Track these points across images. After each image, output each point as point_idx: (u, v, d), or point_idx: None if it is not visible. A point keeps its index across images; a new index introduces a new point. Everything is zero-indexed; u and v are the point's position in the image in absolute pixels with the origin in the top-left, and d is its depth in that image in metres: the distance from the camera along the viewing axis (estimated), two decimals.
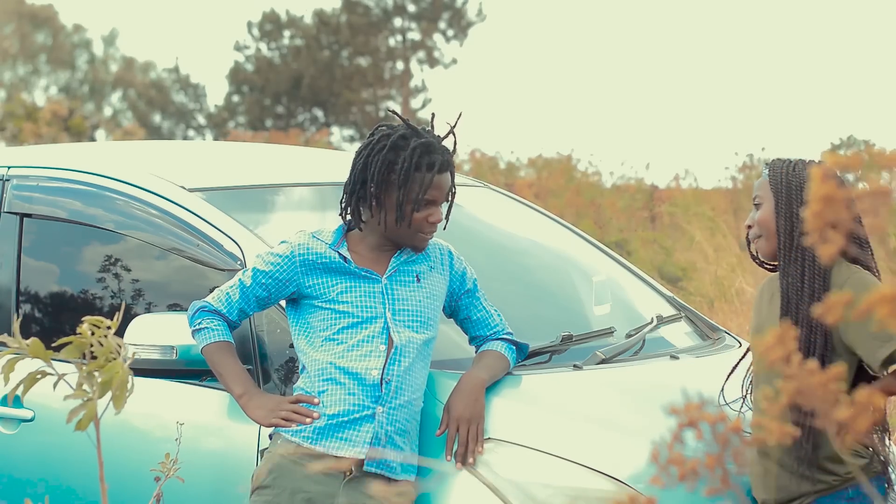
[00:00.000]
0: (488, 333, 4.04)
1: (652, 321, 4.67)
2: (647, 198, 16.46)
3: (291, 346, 3.97)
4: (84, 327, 2.47)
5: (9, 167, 4.76)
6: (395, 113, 4.06)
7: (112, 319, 2.51)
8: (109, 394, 2.46)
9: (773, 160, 3.88)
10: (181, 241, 4.31)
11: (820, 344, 3.73)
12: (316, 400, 3.79)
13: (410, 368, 3.81)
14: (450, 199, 3.92)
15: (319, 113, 43.66)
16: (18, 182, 4.70)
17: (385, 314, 3.84)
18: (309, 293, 3.86)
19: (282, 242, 3.93)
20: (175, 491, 3.80)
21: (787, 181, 3.81)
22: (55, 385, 2.48)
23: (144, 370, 3.99)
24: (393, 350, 3.80)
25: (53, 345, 2.51)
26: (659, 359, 4.48)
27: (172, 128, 47.17)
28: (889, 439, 3.88)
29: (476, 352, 4.05)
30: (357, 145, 3.98)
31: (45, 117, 22.51)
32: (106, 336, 2.45)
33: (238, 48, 44.01)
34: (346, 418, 3.77)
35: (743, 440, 1.86)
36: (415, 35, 43.42)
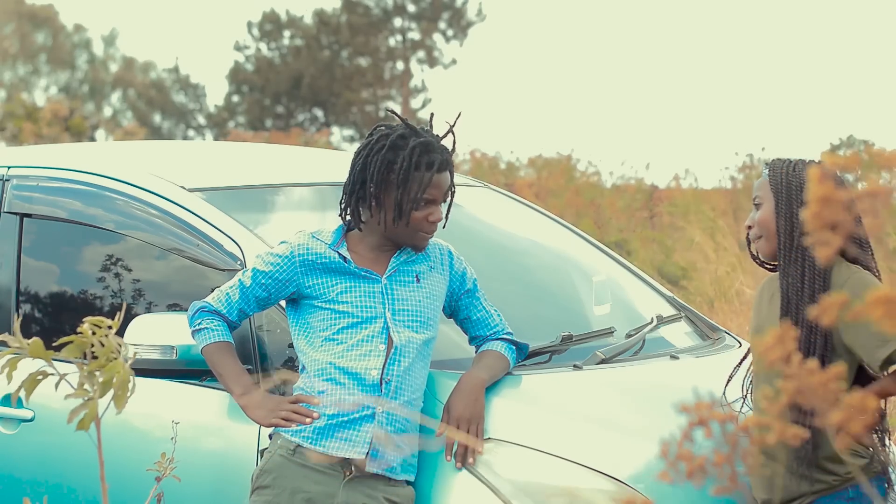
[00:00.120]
0: (488, 333, 4.04)
1: (652, 321, 4.67)
2: (646, 198, 16.46)
3: (291, 346, 3.97)
4: (85, 327, 2.47)
5: (9, 167, 4.76)
6: (394, 113, 4.06)
7: (112, 319, 2.51)
8: (110, 393, 2.46)
9: (773, 160, 3.88)
10: (181, 241, 4.31)
11: (820, 344, 3.74)
12: (316, 400, 3.79)
13: (410, 368, 3.82)
14: (449, 198, 3.93)
15: (319, 113, 43.66)
16: (18, 182, 4.70)
17: (385, 314, 3.84)
18: (309, 293, 3.86)
19: (281, 243, 3.93)
20: (175, 491, 3.80)
21: (788, 181, 3.81)
22: (57, 385, 2.49)
23: (144, 370, 3.99)
24: (393, 350, 3.80)
25: (54, 344, 2.51)
26: (659, 359, 4.48)
27: (172, 128, 47.18)
28: (889, 440, 3.88)
29: (476, 352, 4.05)
30: (357, 145, 3.97)
31: (45, 117, 22.51)
32: (107, 336, 2.46)
33: (238, 48, 44.02)
34: (345, 418, 3.77)
35: (751, 440, 1.87)
36: (415, 35, 43.42)
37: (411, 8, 43.32)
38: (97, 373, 2.44)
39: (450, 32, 43.51)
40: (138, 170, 4.57)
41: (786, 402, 1.80)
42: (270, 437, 3.86)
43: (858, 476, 3.76)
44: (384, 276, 3.88)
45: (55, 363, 2.48)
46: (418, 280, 3.91)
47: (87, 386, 2.44)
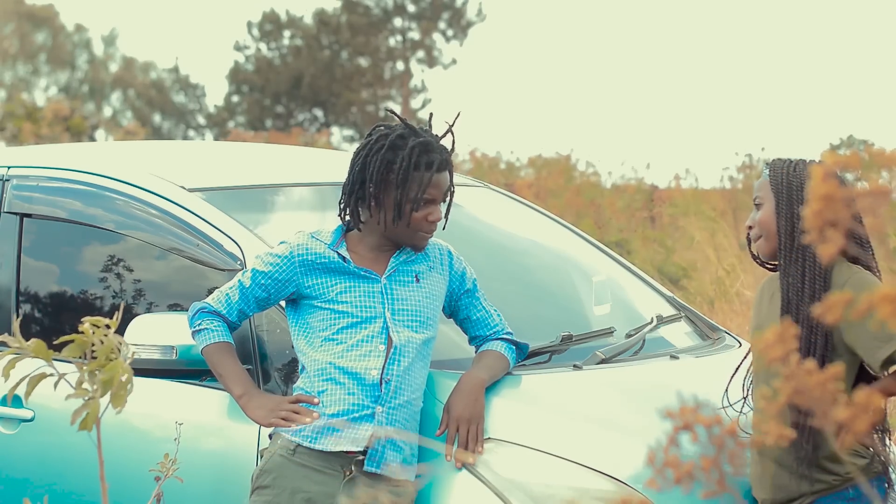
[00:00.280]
0: (488, 333, 4.04)
1: (652, 321, 4.67)
2: (646, 198, 16.45)
3: (292, 346, 3.97)
4: (85, 326, 2.47)
5: (9, 167, 4.76)
6: (394, 112, 4.06)
7: (112, 319, 2.51)
8: (110, 393, 2.46)
9: (774, 160, 3.88)
10: (181, 241, 4.30)
11: (820, 344, 3.73)
12: (316, 400, 3.79)
13: (410, 368, 3.81)
14: (448, 198, 3.93)
15: (319, 113, 43.66)
16: (18, 182, 4.70)
17: (384, 314, 3.84)
18: (308, 293, 3.86)
19: (281, 243, 3.93)
20: (175, 491, 3.80)
21: (788, 181, 3.81)
22: (56, 385, 2.48)
23: (144, 370, 3.99)
24: (392, 350, 3.80)
25: (54, 343, 2.51)
26: (659, 359, 4.48)
27: (172, 128, 47.17)
28: (889, 440, 3.88)
29: (476, 352, 4.04)
30: (357, 145, 3.97)
31: (47, 117, 22.51)
32: (107, 335, 2.45)
33: (238, 48, 44.01)
34: (345, 418, 3.77)
35: (739, 442, 1.86)
36: (415, 35, 43.42)
37: (411, 8, 43.31)
38: (97, 372, 2.44)
39: (450, 32, 43.51)
40: (138, 170, 4.57)
41: (784, 402, 1.80)
42: (270, 437, 3.86)
43: (858, 476, 3.76)
44: (384, 276, 3.88)
45: (55, 362, 2.48)
46: (418, 280, 3.91)
47: (87, 385, 2.43)
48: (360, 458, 3.77)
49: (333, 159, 5.26)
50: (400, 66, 43.71)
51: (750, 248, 3.99)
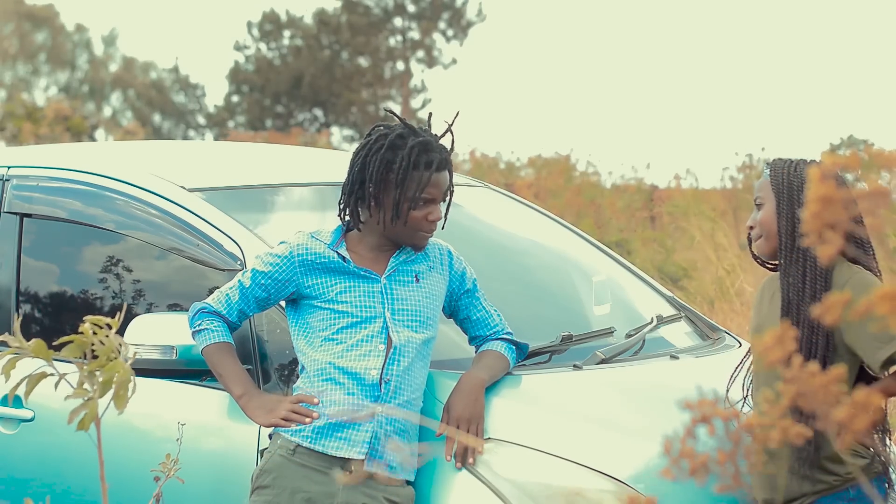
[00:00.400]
0: (488, 333, 4.04)
1: (652, 321, 4.67)
2: (646, 198, 16.46)
3: (292, 346, 3.97)
4: (86, 326, 2.47)
5: (9, 167, 4.76)
6: (393, 112, 4.06)
7: (112, 319, 2.51)
8: (110, 393, 2.46)
9: (774, 160, 3.88)
10: (181, 241, 4.30)
11: (821, 345, 3.73)
12: (315, 400, 3.79)
13: (410, 368, 3.81)
14: (448, 197, 3.93)
15: (319, 113, 43.66)
16: (18, 182, 4.70)
17: (384, 314, 3.84)
18: (308, 293, 3.86)
19: (281, 243, 3.93)
20: (175, 491, 3.80)
21: (789, 181, 3.81)
22: (56, 385, 2.48)
23: (144, 370, 3.99)
24: (392, 350, 3.80)
25: (55, 343, 2.51)
26: (659, 359, 4.48)
27: (172, 128, 47.17)
28: (889, 440, 3.88)
29: (476, 352, 4.04)
30: (356, 145, 3.97)
31: (48, 116, 22.52)
32: (108, 335, 2.45)
33: (238, 48, 44.01)
34: (343, 419, 3.77)
35: (755, 439, 1.86)
36: (415, 35, 43.42)
37: (411, 8, 43.31)
38: (97, 372, 2.44)
39: (450, 32, 43.50)
40: (138, 170, 4.57)
41: (786, 405, 1.80)
42: (270, 437, 3.86)
43: (859, 476, 3.76)
44: (383, 276, 3.88)
45: (55, 362, 2.48)
46: (418, 280, 3.91)
47: (86, 385, 2.43)
48: (361, 458, 3.77)
49: (333, 159, 5.26)
50: (400, 66, 43.71)
51: (751, 248, 3.99)
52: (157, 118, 47.91)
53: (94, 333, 2.45)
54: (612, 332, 4.52)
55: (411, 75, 43.59)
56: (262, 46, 43.79)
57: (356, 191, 3.88)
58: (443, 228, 3.93)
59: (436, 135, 3.92)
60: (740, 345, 4.78)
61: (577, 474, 3.78)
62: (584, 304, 4.88)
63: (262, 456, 3.88)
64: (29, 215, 4.65)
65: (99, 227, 4.51)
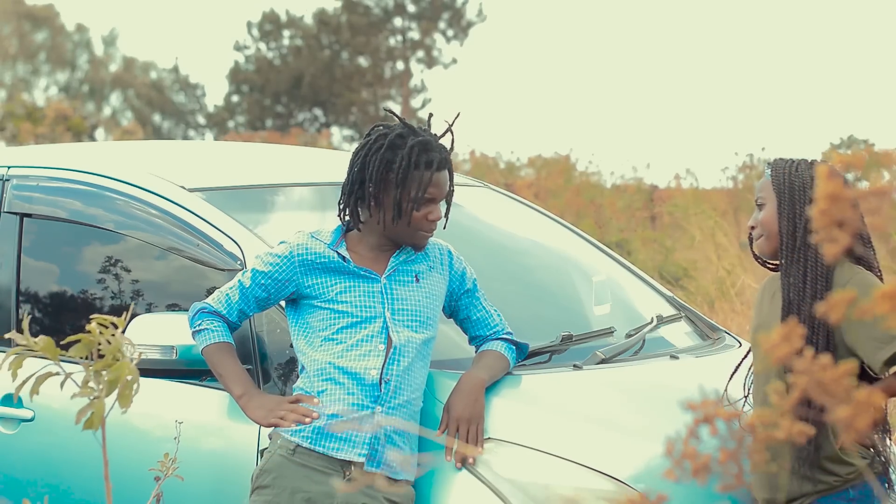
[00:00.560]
0: (488, 333, 4.04)
1: (652, 321, 4.66)
2: (646, 198, 16.46)
3: (291, 346, 3.97)
4: (92, 325, 2.47)
5: (9, 167, 4.76)
6: (392, 112, 4.06)
7: (119, 319, 2.51)
8: (113, 393, 2.46)
9: (776, 160, 3.87)
10: (181, 241, 4.30)
11: (822, 344, 3.73)
12: (315, 400, 3.79)
13: (410, 368, 3.81)
14: (449, 197, 3.92)
15: (319, 113, 43.67)
16: (18, 182, 4.70)
17: (384, 314, 3.83)
18: (308, 293, 3.86)
19: (281, 243, 3.93)
20: (175, 491, 3.80)
21: (790, 181, 3.80)
22: (62, 384, 2.48)
23: (144, 370, 3.98)
24: (392, 350, 3.80)
25: (61, 343, 2.51)
26: (659, 359, 4.48)
27: (172, 128, 47.18)
28: (890, 439, 3.87)
29: (476, 352, 4.04)
30: (356, 145, 3.97)
31: (49, 116, 22.53)
32: (113, 335, 2.45)
33: (238, 48, 44.02)
34: (345, 418, 3.77)
35: (756, 438, 1.86)
36: (415, 35, 43.43)
37: (411, 8, 43.32)
38: (103, 372, 2.44)
39: (450, 32, 43.52)
40: (138, 170, 4.56)
41: (796, 398, 1.80)
42: (270, 437, 3.86)
43: (866, 474, 3.75)
44: (383, 276, 3.87)
45: (60, 363, 2.48)
46: (418, 280, 3.90)
47: (92, 385, 2.43)
48: (361, 460, 3.77)
49: (333, 159, 5.25)
50: (400, 66, 43.71)
51: (752, 248, 3.99)
52: (157, 118, 47.91)
53: (101, 333, 2.45)
54: (612, 332, 4.52)
55: (411, 75, 43.59)
56: (262, 46, 43.81)
57: (356, 191, 3.87)
58: (444, 228, 3.93)
59: (435, 134, 3.92)
60: (740, 345, 4.78)
61: (578, 474, 3.78)
62: (584, 304, 4.87)
63: (262, 456, 3.87)
64: (29, 215, 4.64)
65: (99, 227, 4.50)
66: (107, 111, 49.74)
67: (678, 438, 1.83)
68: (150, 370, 4.06)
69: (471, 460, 3.77)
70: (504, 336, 4.03)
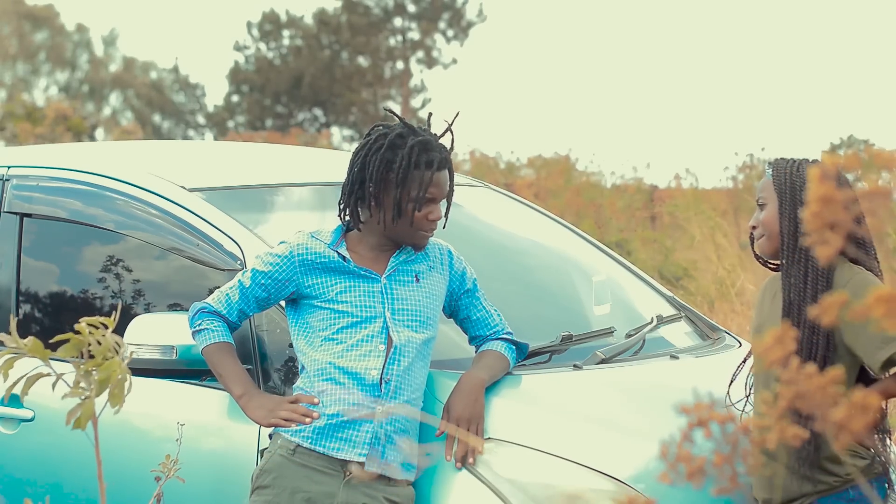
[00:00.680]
0: (488, 333, 4.04)
1: (652, 321, 4.67)
2: (646, 198, 16.47)
3: (291, 345, 3.97)
4: (82, 326, 2.47)
5: (9, 167, 4.76)
6: (392, 112, 4.06)
7: (108, 318, 2.51)
8: (107, 392, 2.46)
9: (777, 160, 3.87)
10: (181, 241, 4.30)
11: (822, 345, 3.73)
12: (315, 400, 3.79)
13: (410, 368, 3.81)
14: (449, 196, 3.92)
15: (319, 113, 43.66)
16: (18, 182, 4.70)
17: (384, 314, 3.84)
18: (308, 293, 3.86)
19: (281, 243, 3.93)
20: (175, 491, 3.80)
21: (792, 181, 3.80)
22: (54, 385, 2.48)
23: (144, 370, 3.99)
24: (392, 350, 3.80)
25: (51, 342, 2.51)
26: (659, 359, 4.48)
27: (172, 128, 47.18)
28: (889, 440, 3.87)
29: (476, 352, 4.04)
30: (356, 145, 3.97)
31: (49, 116, 22.53)
32: (104, 335, 2.45)
33: (238, 48, 44.01)
34: (345, 418, 3.77)
35: (752, 441, 1.86)
36: (415, 35, 43.42)
37: (411, 8, 43.31)
38: (93, 371, 2.44)
39: (450, 33, 43.51)
40: (138, 170, 4.57)
41: (785, 407, 1.80)
42: (270, 437, 3.86)
43: (858, 478, 3.75)
44: (384, 276, 3.87)
45: (53, 363, 2.48)
46: (418, 280, 3.91)
47: (83, 384, 2.43)
48: (361, 460, 3.77)
49: (333, 159, 5.25)
50: (400, 65, 43.71)
51: (752, 248, 3.99)
52: (157, 118, 47.91)
53: (91, 333, 2.45)
54: (612, 332, 4.52)
55: (411, 75, 43.59)
56: (262, 46, 43.80)
57: (356, 191, 3.88)
58: (444, 228, 3.93)
59: (436, 134, 3.92)
60: (740, 345, 4.78)
61: (578, 474, 3.78)
62: (584, 304, 4.88)
63: (262, 456, 3.87)
64: (29, 215, 4.64)
65: (99, 227, 4.50)
66: (107, 111, 49.74)
67: (672, 442, 1.83)
68: (150, 370, 4.06)
69: (471, 460, 3.78)
70: (504, 336, 4.04)
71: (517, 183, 17.02)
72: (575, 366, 4.18)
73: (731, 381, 3.99)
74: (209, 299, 3.92)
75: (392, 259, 3.90)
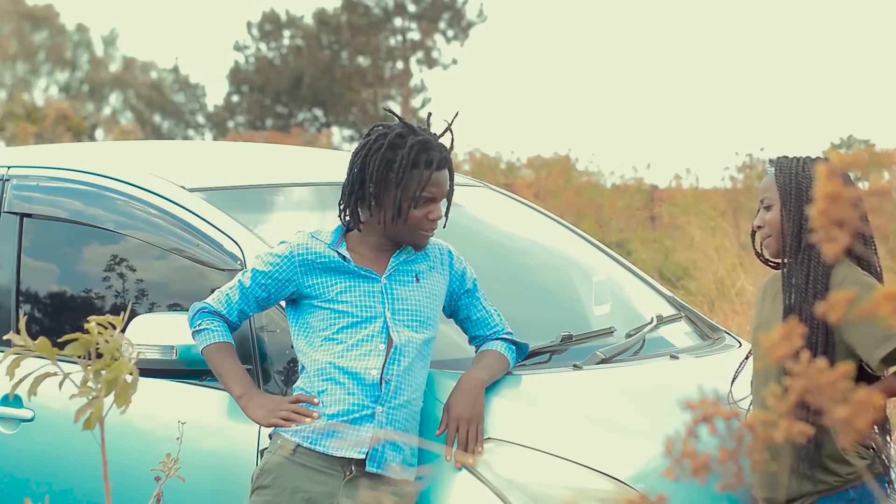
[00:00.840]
0: (488, 333, 4.04)
1: (652, 321, 4.66)
2: (646, 198, 16.47)
3: (292, 346, 3.96)
4: (91, 325, 2.47)
5: (9, 167, 4.76)
6: (392, 112, 4.06)
7: (117, 318, 2.51)
8: (113, 392, 2.46)
9: (780, 158, 3.84)
10: (181, 241, 4.30)
11: (821, 343, 3.73)
12: (316, 400, 3.79)
13: (410, 368, 3.81)
14: (449, 196, 3.92)
15: (319, 113, 43.66)
16: (18, 182, 4.70)
17: (384, 314, 3.83)
18: (308, 293, 3.86)
19: (281, 243, 3.93)
20: (175, 491, 3.80)
21: (798, 182, 3.77)
22: (61, 384, 2.48)
23: (144, 370, 3.98)
24: (392, 350, 3.80)
25: (59, 341, 2.50)
26: (659, 359, 4.48)
27: (172, 128, 47.18)
28: (890, 439, 3.87)
29: (476, 352, 4.04)
30: (356, 145, 3.97)
31: (50, 115, 22.53)
32: (112, 335, 2.45)
33: (238, 48, 44.01)
34: (345, 418, 3.77)
35: (756, 438, 1.86)
36: (415, 35, 43.42)
37: (411, 8, 43.31)
38: (102, 371, 2.44)
39: (450, 33, 43.51)
40: (138, 170, 4.56)
41: (793, 400, 1.80)
42: (270, 437, 3.86)
43: (864, 475, 3.75)
44: (384, 276, 3.87)
45: (58, 363, 2.48)
46: (418, 280, 3.90)
47: (91, 384, 2.43)
48: (361, 458, 3.77)
49: (333, 159, 5.25)
50: (400, 65, 43.71)
51: (754, 246, 3.98)
52: (157, 118, 47.91)
53: (100, 333, 2.45)
54: (612, 332, 4.52)
55: (411, 75, 43.59)
56: (262, 46, 43.80)
57: (356, 191, 3.87)
58: (444, 227, 3.92)
59: (435, 134, 3.92)
60: (740, 345, 4.78)
61: (578, 474, 3.78)
62: (584, 304, 4.87)
63: (262, 456, 3.87)
64: (29, 215, 4.64)
65: (99, 227, 4.50)
66: (107, 111, 49.74)
67: (678, 437, 1.83)
68: (150, 370, 4.06)
69: (471, 459, 3.77)
70: (504, 336, 4.03)
71: (517, 183, 17.02)
72: (575, 366, 4.18)
73: (734, 380, 3.99)
74: (209, 299, 3.92)
75: (392, 259, 3.90)
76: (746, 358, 4.08)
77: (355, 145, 3.97)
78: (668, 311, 4.90)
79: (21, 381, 2.48)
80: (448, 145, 3.93)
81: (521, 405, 3.97)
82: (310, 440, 3.77)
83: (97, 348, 2.45)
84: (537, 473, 3.78)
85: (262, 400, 3.83)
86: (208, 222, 4.27)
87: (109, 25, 76.93)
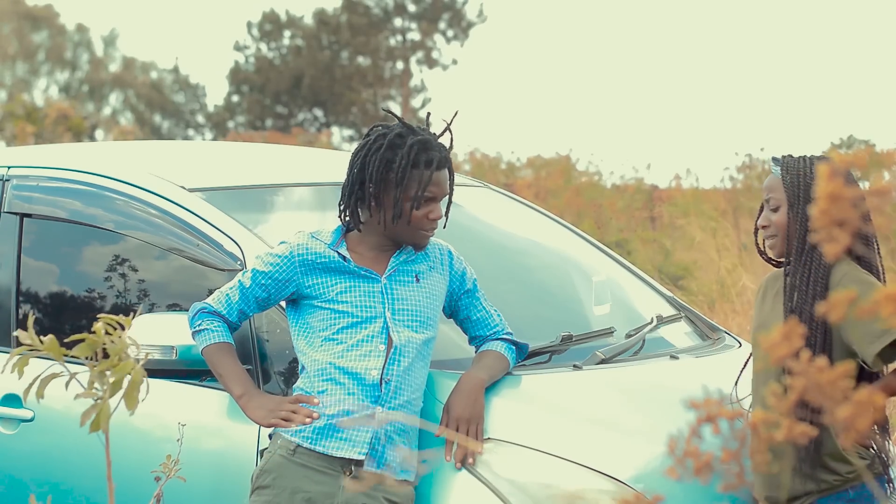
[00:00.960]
0: (488, 333, 4.04)
1: (652, 321, 4.66)
2: (647, 198, 16.47)
3: (292, 346, 3.96)
4: (98, 325, 2.46)
5: (9, 167, 4.76)
6: (391, 112, 4.06)
7: (126, 318, 2.51)
8: (118, 393, 2.45)
9: (785, 157, 3.82)
10: (181, 241, 4.30)
11: (819, 342, 3.73)
12: (316, 400, 3.78)
13: (410, 368, 3.81)
14: (449, 196, 3.92)
15: (319, 113, 43.65)
16: (18, 182, 4.70)
17: (385, 314, 3.83)
18: (308, 293, 3.86)
19: (281, 243, 3.93)
20: (175, 491, 3.80)
21: (806, 182, 3.76)
22: (67, 384, 2.48)
23: (145, 370, 3.98)
24: (392, 350, 3.80)
25: (65, 341, 2.50)
26: (659, 359, 4.48)
27: (172, 128, 47.18)
28: (890, 439, 3.87)
29: (476, 352, 4.04)
30: (356, 145, 3.97)
31: (51, 115, 22.53)
32: (119, 336, 2.45)
33: (238, 48, 44.00)
34: (345, 418, 3.77)
35: (757, 438, 1.86)
36: (415, 35, 43.42)
37: (411, 8, 43.30)
38: (108, 373, 2.43)
39: (450, 33, 43.50)
40: (138, 170, 4.56)
41: (794, 399, 1.80)
42: (270, 437, 3.86)
43: (864, 475, 3.75)
44: (384, 276, 3.87)
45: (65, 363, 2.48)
46: (418, 280, 3.90)
47: (97, 385, 2.43)
48: (361, 458, 3.77)
49: (333, 159, 5.25)
50: (400, 66, 43.71)
51: (757, 245, 3.97)
52: (157, 118, 47.91)
53: (107, 333, 2.45)
54: (612, 332, 4.52)
55: (411, 75, 43.59)
56: (262, 46, 43.79)
57: (356, 191, 3.87)
58: (444, 227, 3.93)
59: (435, 133, 3.92)
60: (740, 345, 4.78)
61: (578, 475, 3.78)
62: (584, 304, 4.87)
63: (262, 456, 3.87)
64: (29, 215, 4.64)
65: (99, 227, 4.50)
66: (107, 111, 49.75)
67: (681, 437, 1.83)
68: (150, 370, 4.05)
69: (471, 460, 3.77)
70: (504, 336, 4.03)
71: (517, 183, 17.02)
72: (575, 366, 4.18)
73: (737, 380, 3.99)
74: (209, 299, 3.92)
75: (392, 259, 3.90)
76: (749, 357, 4.08)
77: (355, 145, 3.97)
78: (668, 311, 4.90)
79: (32, 383, 2.48)
80: (448, 145, 3.93)
81: (521, 405, 3.97)
82: (310, 440, 3.77)
83: (104, 349, 2.45)
84: (537, 473, 3.78)
85: (261, 400, 3.83)
86: (208, 222, 4.27)
87: (109, 25, 76.96)
